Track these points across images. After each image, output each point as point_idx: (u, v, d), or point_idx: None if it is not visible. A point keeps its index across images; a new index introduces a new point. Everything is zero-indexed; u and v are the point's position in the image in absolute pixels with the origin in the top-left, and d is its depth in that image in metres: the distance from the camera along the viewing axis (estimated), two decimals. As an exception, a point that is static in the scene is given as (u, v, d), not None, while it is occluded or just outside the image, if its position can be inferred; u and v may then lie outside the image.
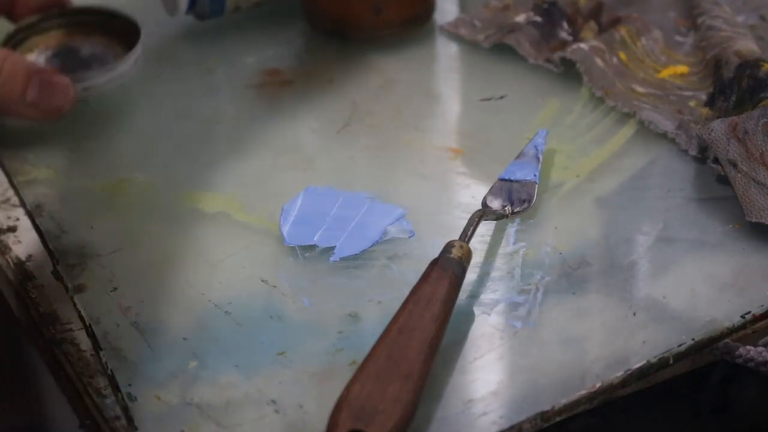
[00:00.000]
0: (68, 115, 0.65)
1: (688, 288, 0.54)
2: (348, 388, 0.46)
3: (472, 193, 0.61)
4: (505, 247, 0.57)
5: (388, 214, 0.59)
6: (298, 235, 0.58)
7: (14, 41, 0.69)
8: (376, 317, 0.53)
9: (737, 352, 0.51)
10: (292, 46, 0.76)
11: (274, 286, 0.55)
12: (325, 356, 0.51)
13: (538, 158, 0.62)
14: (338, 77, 0.72)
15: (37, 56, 0.69)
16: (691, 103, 0.67)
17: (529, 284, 0.55)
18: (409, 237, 0.58)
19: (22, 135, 0.67)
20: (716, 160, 0.60)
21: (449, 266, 0.52)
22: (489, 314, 0.53)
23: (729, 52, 0.67)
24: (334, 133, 0.67)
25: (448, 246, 0.53)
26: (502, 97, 0.69)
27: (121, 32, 0.70)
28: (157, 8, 0.77)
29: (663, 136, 0.64)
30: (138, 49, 0.68)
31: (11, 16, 0.70)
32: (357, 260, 0.57)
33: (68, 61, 0.69)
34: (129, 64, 0.68)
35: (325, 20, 0.75)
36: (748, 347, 0.51)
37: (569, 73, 0.70)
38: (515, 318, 0.53)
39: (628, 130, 0.65)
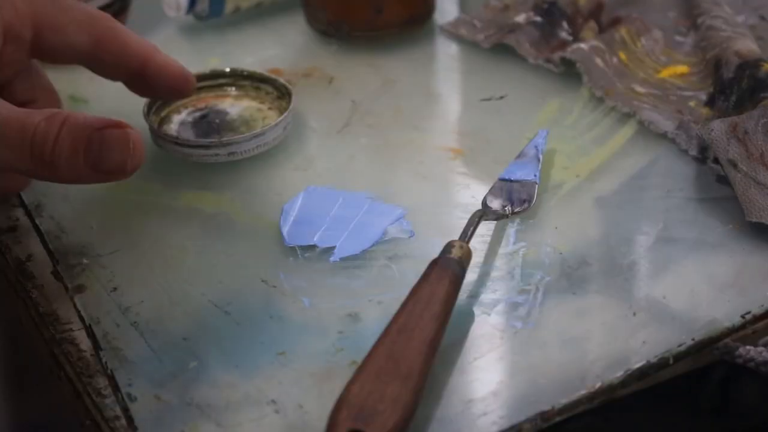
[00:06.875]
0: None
1: (688, 288, 0.54)
2: (348, 388, 0.46)
3: (472, 193, 0.61)
4: (505, 247, 0.57)
5: (388, 214, 0.59)
6: (298, 235, 0.58)
7: (159, 102, 0.65)
8: (376, 317, 0.53)
9: (737, 352, 0.51)
10: (292, 46, 0.77)
11: (274, 286, 0.55)
12: (325, 356, 0.51)
13: (538, 158, 0.62)
14: (338, 77, 0.72)
15: (185, 116, 0.65)
16: (691, 103, 0.67)
17: (529, 284, 0.55)
18: (409, 237, 0.58)
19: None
20: (716, 160, 0.60)
21: (449, 266, 0.52)
22: (489, 314, 0.53)
23: (729, 52, 0.67)
24: (334, 133, 0.67)
25: (448, 246, 0.53)
26: (502, 97, 0.69)
27: (272, 96, 0.67)
28: (158, 8, 0.77)
29: (663, 136, 0.64)
30: (289, 116, 0.64)
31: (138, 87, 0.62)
32: (357, 260, 0.57)
33: (215, 123, 0.65)
34: (279, 130, 0.63)
35: (325, 20, 0.75)
36: (748, 347, 0.51)
37: (569, 73, 0.70)
38: (515, 318, 0.53)
39: (628, 130, 0.65)
